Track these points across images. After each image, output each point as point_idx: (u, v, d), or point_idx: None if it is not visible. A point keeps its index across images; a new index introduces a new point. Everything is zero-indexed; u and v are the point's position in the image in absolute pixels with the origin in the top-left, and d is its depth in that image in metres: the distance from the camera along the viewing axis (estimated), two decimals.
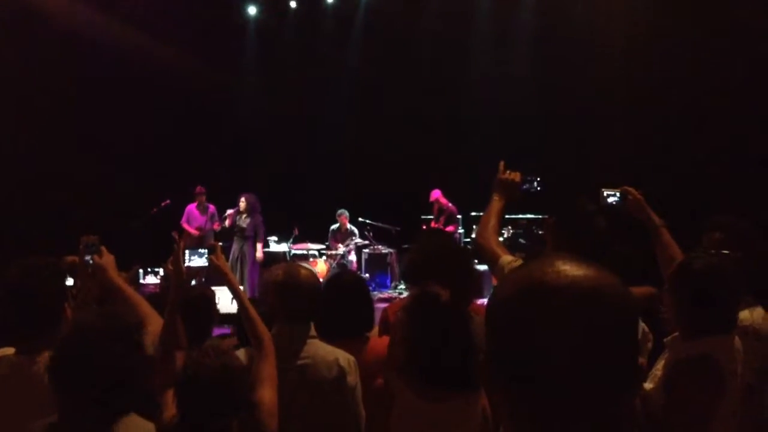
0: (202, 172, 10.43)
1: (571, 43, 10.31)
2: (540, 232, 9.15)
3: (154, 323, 2.35)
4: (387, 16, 12.02)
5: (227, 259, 9.54)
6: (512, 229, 9.63)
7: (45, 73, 9.84)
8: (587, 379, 0.85)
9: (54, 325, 2.21)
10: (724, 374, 2.13)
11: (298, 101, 12.21)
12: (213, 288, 3.51)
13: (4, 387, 2.16)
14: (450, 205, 10.30)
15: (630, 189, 2.80)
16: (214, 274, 2.66)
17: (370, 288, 9.48)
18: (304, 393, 2.44)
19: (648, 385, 2.28)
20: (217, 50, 11.82)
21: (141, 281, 7.82)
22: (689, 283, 2.25)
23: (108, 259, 2.51)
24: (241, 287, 8.93)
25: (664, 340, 2.39)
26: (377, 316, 3.10)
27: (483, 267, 6.53)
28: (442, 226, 10.01)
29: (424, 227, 10.34)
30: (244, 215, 9.57)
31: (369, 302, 3.04)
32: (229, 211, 9.64)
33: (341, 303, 2.86)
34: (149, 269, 8.48)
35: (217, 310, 3.39)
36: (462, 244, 9.34)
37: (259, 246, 9.57)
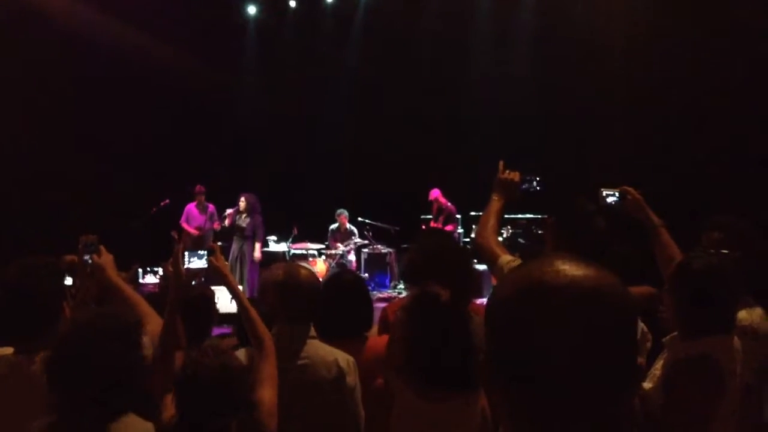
0: (202, 172, 10.44)
1: (571, 43, 10.31)
2: (539, 232, 9.16)
3: (153, 323, 2.35)
4: (387, 15, 12.02)
5: (227, 259, 9.58)
6: (511, 228, 9.63)
7: (45, 72, 9.84)
8: (587, 379, 0.85)
9: (53, 324, 2.21)
10: (723, 374, 2.13)
11: (298, 101, 12.21)
12: (212, 288, 3.51)
13: (3, 386, 2.16)
14: (449, 204, 10.31)
15: (629, 189, 2.80)
16: (213, 276, 2.65)
17: (370, 288, 9.48)
18: (304, 393, 2.44)
19: (647, 385, 2.28)
20: (217, 50, 11.83)
21: (140, 281, 7.82)
22: (688, 283, 2.25)
23: (107, 259, 2.50)
24: (241, 287, 8.95)
25: (663, 339, 2.39)
26: (376, 315, 3.10)
27: (482, 267, 6.53)
28: (441, 226, 10.02)
29: (424, 227, 10.34)
30: (243, 215, 9.57)
31: (368, 302, 3.04)
32: (229, 211, 9.64)
33: (340, 303, 2.86)
34: (148, 269, 8.48)
35: (217, 310, 3.39)
36: (461, 244, 9.34)
37: (257, 246, 9.56)
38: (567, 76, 10.26)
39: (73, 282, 2.88)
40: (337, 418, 2.51)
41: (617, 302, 0.88)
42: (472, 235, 8.40)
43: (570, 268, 0.89)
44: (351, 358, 2.57)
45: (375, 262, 10.90)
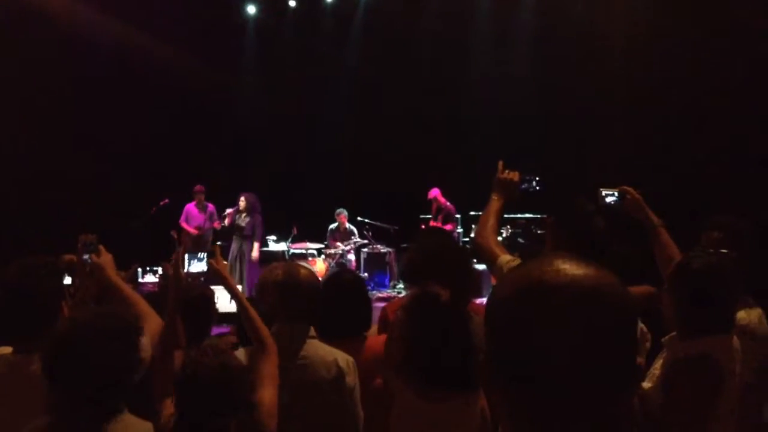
0: (202, 172, 10.43)
1: (571, 43, 10.32)
2: (539, 232, 9.16)
3: (152, 322, 2.35)
4: (386, 15, 12.02)
5: (226, 259, 9.58)
6: (511, 228, 9.63)
7: (44, 72, 9.83)
8: (586, 379, 0.85)
9: (52, 324, 2.19)
10: (722, 374, 2.13)
11: (298, 100, 12.21)
12: (212, 287, 3.51)
13: (2, 386, 2.16)
14: (448, 204, 10.31)
15: (628, 189, 2.80)
16: (213, 278, 2.66)
17: (369, 287, 9.49)
18: (303, 393, 2.44)
19: (646, 385, 2.28)
20: (217, 49, 11.82)
21: (139, 280, 7.82)
22: (688, 283, 2.25)
23: (106, 258, 2.50)
24: (240, 287, 8.99)
25: (662, 339, 2.39)
26: (375, 315, 3.10)
27: (482, 266, 6.53)
28: (440, 225, 10.02)
29: (423, 226, 10.34)
30: (243, 214, 9.57)
31: (367, 302, 3.04)
32: (229, 210, 9.64)
33: (339, 302, 2.86)
34: (148, 268, 8.48)
35: (216, 310, 3.39)
36: (461, 244, 9.34)
37: (255, 245, 9.54)
38: (567, 76, 10.25)
39: (73, 281, 2.88)
40: (336, 418, 2.51)
41: (617, 302, 0.88)
42: (472, 235, 8.39)
43: (570, 268, 0.89)
44: (350, 358, 2.57)
45: (374, 262, 10.90)
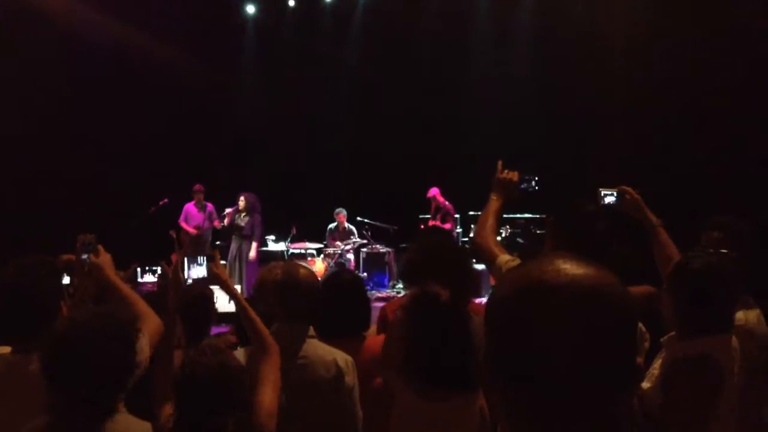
0: (201, 171, 10.43)
1: (571, 43, 10.32)
2: (538, 232, 9.17)
3: (151, 322, 2.34)
4: (385, 15, 12.03)
5: (225, 258, 9.59)
6: (510, 228, 9.64)
7: (43, 72, 9.83)
8: (586, 379, 0.85)
9: (50, 323, 2.19)
10: (722, 373, 2.13)
11: (297, 100, 12.21)
12: (211, 287, 3.51)
13: (1, 386, 2.16)
14: (447, 203, 10.31)
15: (627, 189, 2.80)
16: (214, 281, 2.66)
17: (368, 287, 9.49)
18: (303, 393, 2.44)
19: (645, 385, 2.28)
20: (216, 49, 11.82)
21: (139, 280, 7.81)
22: (687, 283, 2.25)
23: (105, 258, 2.50)
24: (239, 286, 8.97)
25: (661, 339, 2.39)
26: (374, 315, 3.10)
27: (481, 266, 6.53)
28: (439, 223, 10.03)
29: (422, 226, 10.34)
30: (243, 214, 9.57)
31: (366, 302, 3.04)
32: (228, 210, 9.64)
33: (339, 302, 2.86)
34: (147, 268, 8.48)
35: (216, 309, 3.39)
36: (460, 244, 9.34)
37: (253, 245, 9.54)
38: (567, 76, 10.26)
39: (71, 281, 2.88)
40: (335, 418, 2.51)
41: (617, 302, 0.88)
42: (471, 235, 8.40)
43: (570, 268, 0.88)
44: (350, 358, 2.57)
45: (374, 262, 10.90)
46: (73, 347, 1.79)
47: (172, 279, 2.45)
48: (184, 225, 9.78)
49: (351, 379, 2.54)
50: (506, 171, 2.82)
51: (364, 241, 10.96)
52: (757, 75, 8.01)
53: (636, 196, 2.78)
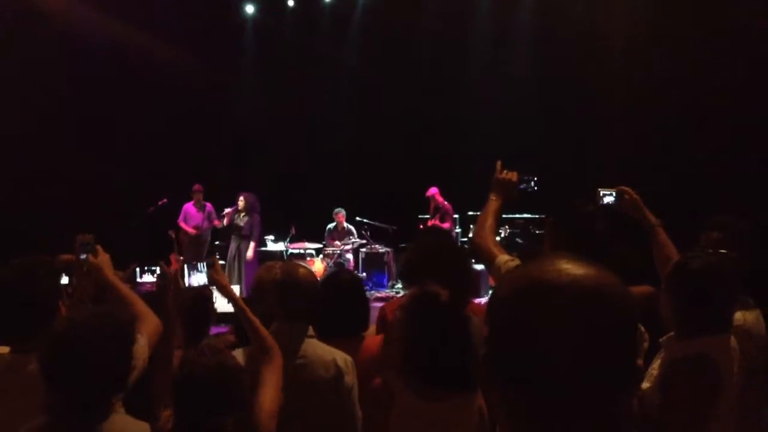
0: (200, 171, 10.43)
1: (571, 43, 10.32)
2: (537, 232, 9.17)
3: (150, 322, 2.35)
4: (385, 15, 12.01)
5: (224, 258, 9.59)
6: (509, 228, 9.64)
7: (43, 71, 9.83)
8: (587, 379, 0.85)
9: (49, 324, 2.19)
10: (720, 373, 2.13)
11: (296, 100, 12.21)
12: (210, 287, 3.51)
13: (0, 386, 2.15)
14: (446, 203, 10.31)
15: (626, 189, 2.80)
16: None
17: (367, 287, 9.49)
18: (302, 392, 2.43)
19: (644, 385, 2.28)
20: (215, 49, 11.82)
21: (138, 280, 7.81)
22: (686, 283, 2.25)
23: (103, 258, 2.49)
24: (238, 286, 8.96)
25: (660, 339, 2.39)
26: (373, 315, 3.10)
27: (480, 266, 6.53)
28: (438, 223, 10.04)
29: (422, 226, 10.34)
30: (242, 214, 9.56)
31: (365, 302, 3.04)
32: (227, 210, 9.63)
33: (337, 302, 2.85)
34: (146, 268, 8.47)
35: (215, 309, 3.39)
36: (459, 244, 9.35)
37: (251, 245, 9.52)
38: (567, 76, 10.26)
39: (70, 281, 2.88)
40: (335, 418, 2.51)
41: (618, 302, 0.88)
42: (470, 235, 8.40)
43: (571, 268, 0.88)
44: (349, 358, 2.56)
45: (373, 262, 10.90)
46: (72, 347, 1.79)
47: (173, 286, 2.46)
48: (183, 225, 9.78)
49: (350, 378, 2.53)
50: (505, 171, 2.81)
51: (363, 241, 10.96)
52: (757, 75, 8.02)
53: (635, 196, 2.78)
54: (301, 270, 2.62)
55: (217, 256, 10.43)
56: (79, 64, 10.32)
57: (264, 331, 2.33)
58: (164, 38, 10.67)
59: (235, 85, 12.73)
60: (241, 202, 9.56)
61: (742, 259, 2.69)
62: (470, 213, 9.97)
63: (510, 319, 0.90)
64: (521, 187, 2.83)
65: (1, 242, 7.71)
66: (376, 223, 11.10)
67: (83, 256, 2.49)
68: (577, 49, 10.24)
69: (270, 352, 2.29)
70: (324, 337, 2.62)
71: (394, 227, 11.01)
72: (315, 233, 10.91)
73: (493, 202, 2.80)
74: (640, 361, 2.40)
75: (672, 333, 2.33)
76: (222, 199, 9.90)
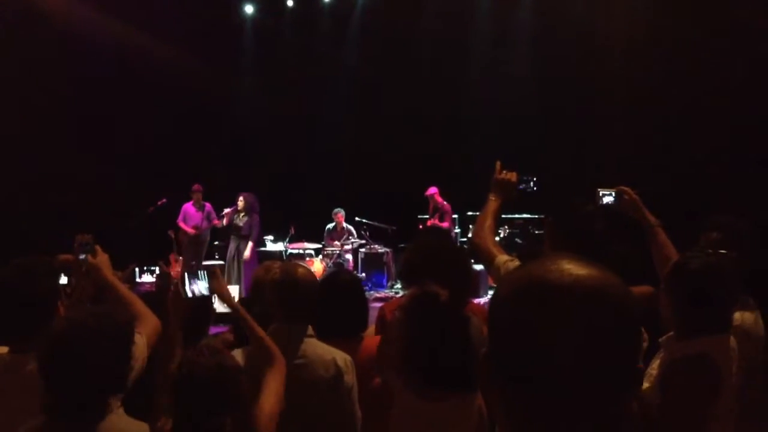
0: (200, 171, 10.43)
1: (570, 43, 10.32)
2: (536, 232, 9.17)
3: (149, 322, 2.35)
4: (384, 15, 12.02)
5: (223, 258, 9.59)
6: (508, 228, 9.65)
7: (42, 71, 9.83)
8: (588, 379, 0.85)
9: (48, 323, 2.19)
10: (720, 373, 2.12)
11: (296, 100, 12.21)
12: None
13: None
14: (445, 203, 10.31)
15: (626, 189, 2.80)
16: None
17: (367, 287, 9.48)
18: (301, 392, 2.43)
19: (644, 385, 2.27)
20: (215, 49, 11.83)
21: (137, 280, 7.81)
22: (686, 283, 2.25)
23: (102, 258, 2.49)
24: (237, 287, 8.93)
25: (660, 339, 2.38)
26: (372, 316, 3.10)
27: (480, 267, 6.53)
28: (437, 222, 10.04)
29: (421, 226, 10.35)
30: (241, 214, 9.56)
31: (364, 302, 3.04)
32: (227, 210, 9.62)
33: (337, 302, 2.85)
34: (145, 268, 8.48)
35: (214, 309, 3.38)
36: (458, 244, 9.35)
37: (249, 245, 9.51)
38: (567, 77, 10.25)
39: (69, 281, 2.87)
40: (334, 417, 2.51)
41: (621, 302, 0.87)
42: (470, 235, 8.41)
43: (574, 268, 0.88)
44: (348, 358, 2.57)
45: (372, 262, 10.90)
46: (70, 347, 1.79)
47: (173, 297, 2.46)
48: (182, 225, 9.78)
49: (350, 378, 2.53)
50: (504, 171, 2.81)
51: (363, 242, 10.96)
52: (757, 75, 8.02)
53: (634, 196, 2.78)
54: (301, 270, 2.62)
55: (217, 256, 10.50)
56: (79, 64, 10.32)
57: (268, 340, 2.34)
58: (164, 38, 10.68)
59: (235, 85, 12.74)
60: (240, 202, 9.55)
61: (742, 259, 2.69)
62: (470, 213, 9.97)
63: (511, 318, 0.89)
64: (520, 187, 2.83)
65: (1, 242, 7.72)
66: (376, 224, 11.10)
67: (82, 256, 2.49)
68: (577, 49, 10.25)
69: (273, 359, 2.29)
70: (323, 337, 2.62)
71: (394, 227, 11.01)
72: (314, 233, 10.90)
73: (493, 202, 2.80)
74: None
75: (671, 333, 2.33)
76: (221, 199, 9.89)
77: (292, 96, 12.17)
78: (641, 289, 2.69)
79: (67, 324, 1.86)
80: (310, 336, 2.56)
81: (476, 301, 7.06)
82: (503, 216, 6.89)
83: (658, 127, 9.11)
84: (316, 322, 2.64)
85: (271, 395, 2.17)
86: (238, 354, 2.33)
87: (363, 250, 10.98)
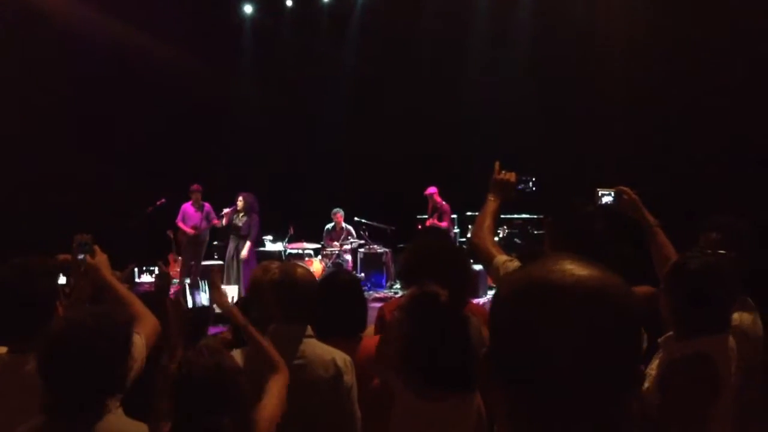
0: (199, 171, 10.43)
1: (570, 43, 10.31)
2: (535, 232, 9.18)
3: (148, 323, 2.34)
4: (384, 15, 12.02)
5: (222, 258, 9.59)
6: (507, 228, 9.65)
7: (43, 71, 9.84)
8: (589, 379, 0.85)
9: (47, 323, 2.19)
10: (719, 373, 2.12)
11: (296, 100, 12.21)
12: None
13: None
14: (444, 203, 10.31)
15: (625, 189, 2.80)
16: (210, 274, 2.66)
17: (366, 288, 9.48)
18: (301, 393, 2.43)
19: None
20: (214, 49, 11.84)
21: (136, 280, 7.81)
22: (685, 283, 2.25)
23: (101, 258, 2.49)
24: (236, 287, 8.92)
25: (659, 339, 2.38)
26: (371, 316, 3.09)
27: (479, 267, 6.54)
28: (436, 221, 10.05)
29: (420, 227, 10.35)
30: (241, 214, 9.55)
31: (363, 302, 3.04)
32: (226, 210, 9.62)
33: (336, 303, 2.85)
34: (144, 268, 8.49)
35: (213, 310, 3.39)
36: (458, 244, 9.35)
37: (247, 244, 9.50)
38: (566, 77, 10.25)
39: (68, 281, 2.87)
40: (334, 418, 2.51)
41: (623, 303, 0.87)
42: (469, 235, 8.41)
43: (575, 268, 0.88)
44: (348, 358, 2.56)
45: (371, 262, 10.90)
46: (69, 347, 1.79)
47: (173, 309, 2.46)
48: (181, 225, 9.77)
49: (350, 378, 2.53)
50: (503, 172, 2.81)
51: (362, 242, 10.96)
52: (757, 75, 8.02)
53: (633, 196, 2.78)
54: (300, 270, 2.62)
55: (216, 256, 10.50)
56: (79, 64, 10.32)
57: (271, 349, 2.34)
58: (163, 38, 10.68)
59: (234, 85, 12.74)
60: (240, 202, 9.55)
61: (741, 259, 2.69)
62: (469, 213, 9.97)
63: (512, 318, 0.89)
64: (519, 187, 2.83)
65: (1, 242, 7.72)
66: (375, 224, 11.10)
67: (81, 256, 2.48)
68: (577, 49, 10.24)
69: (277, 367, 2.29)
70: (322, 337, 2.62)
71: (393, 227, 11.02)
72: (313, 233, 10.90)
73: (492, 202, 2.79)
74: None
75: (670, 333, 2.33)
76: (221, 199, 9.89)
77: (292, 96, 12.18)
78: (641, 289, 2.68)
79: (66, 324, 1.86)
80: (310, 336, 2.56)
81: (476, 301, 7.06)
82: (502, 216, 6.89)
83: (657, 127, 9.11)
84: (315, 322, 2.64)
85: (272, 399, 2.17)
86: (237, 354, 2.32)
87: (362, 250, 10.98)
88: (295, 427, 2.36)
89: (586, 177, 7.99)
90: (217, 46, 12.03)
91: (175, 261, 10.32)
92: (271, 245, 10.74)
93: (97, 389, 1.83)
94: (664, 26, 9.08)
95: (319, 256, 10.58)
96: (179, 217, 9.80)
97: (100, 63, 10.51)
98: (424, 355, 2.12)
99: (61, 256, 2.61)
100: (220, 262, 9.86)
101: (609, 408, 0.86)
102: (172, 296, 2.62)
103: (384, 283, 10.78)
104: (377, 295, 9.96)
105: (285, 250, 10.56)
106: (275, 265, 2.85)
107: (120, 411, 1.88)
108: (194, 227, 9.69)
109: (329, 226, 10.95)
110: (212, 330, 3.56)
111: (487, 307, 1.01)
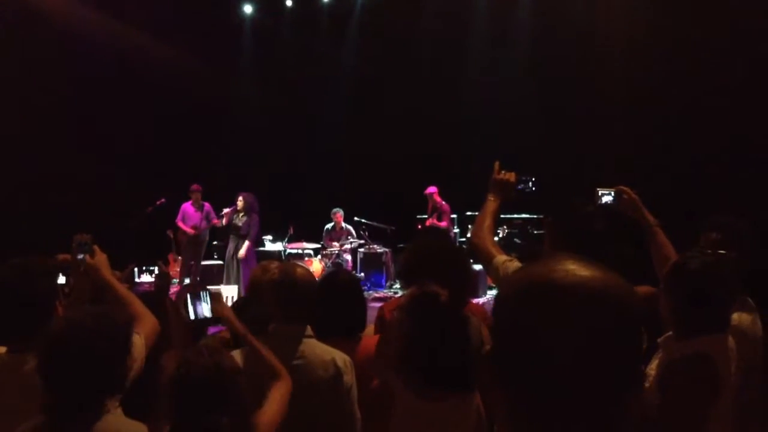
0: (199, 171, 10.43)
1: (570, 43, 10.32)
2: (535, 232, 9.18)
3: (148, 323, 2.34)
4: (383, 15, 12.02)
5: (222, 258, 9.58)
6: (507, 228, 9.65)
7: (43, 71, 9.84)
8: (589, 380, 0.85)
9: (46, 323, 2.19)
10: (718, 373, 2.12)
11: (295, 100, 12.21)
12: (209, 287, 3.50)
13: None
14: (443, 203, 10.31)
15: (625, 188, 2.79)
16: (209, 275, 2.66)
17: (366, 288, 9.48)
18: (300, 393, 2.43)
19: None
20: (214, 49, 11.84)
21: (136, 280, 7.80)
22: (685, 283, 2.25)
23: (100, 258, 2.49)
24: (236, 287, 8.90)
25: (658, 339, 2.38)
26: (371, 316, 3.09)
27: (479, 267, 6.54)
28: (436, 221, 10.04)
29: (420, 227, 10.35)
30: (241, 214, 9.55)
31: (363, 302, 3.03)
32: (226, 210, 9.62)
33: (335, 303, 2.85)
34: (144, 268, 8.47)
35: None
36: (457, 244, 9.35)
37: (246, 244, 9.49)
38: (566, 77, 10.26)
39: (67, 281, 2.87)
40: (333, 418, 2.50)
41: (624, 303, 0.88)
42: (469, 235, 8.41)
43: (577, 269, 0.88)
44: (348, 358, 2.56)
45: (371, 262, 10.89)
46: (69, 347, 1.79)
47: (174, 316, 2.46)
48: (181, 225, 9.77)
49: (349, 378, 2.53)
50: (503, 172, 2.81)
51: (362, 241, 10.96)
52: (757, 75, 8.02)
53: (633, 196, 2.78)
54: (299, 270, 2.62)
55: (215, 256, 10.50)
56: (79, 64, 10.32)
57: (272, 357, 2.33)
58: (163, 38, 10.68)
59: (234, 85, 12.74)
60: (240, 202, 9.55)
61: (742, 259, 2.69)
62: (469, 213, 9.97)
63: (513, 318, 0.90)
64: (519, 187, 2.82)
65: (1, 242, 7.72)
66: (375, 223, 11.10)
67: (80, 256, 2.48)
68: (577, 49, 10.24)
69: (279, 375, 2.29)
70: (322, 337, 2.62)
71: (393, 227, 11.02)
72: (313, 233, 10.90)
73: (491, 202, 2.79)
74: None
75: (670, 333, 2.33)
76: (221, 198, 9.89)
77: (292, 96, 12.18)
78: (641, 289, 2.68)
79: (66, 324, 1.86)
80: (309, 336, 2.56)
81: (475, 301, 7.07)
82: (502, 216, 6.89)
83: (658, 127, 9.12)
84: (314, 322, 2.64)
85: (273, 405, 2.17)
86: (236, 355, 2.32)
87: (362, 250, 10.98)
88: (294, 427, 2.35)
89: (586, 177, 7.99)
90: (217, 46, 12.02)
91: (175, 261, 10.32)
92: (270, 245, 10.74)
93: (96, 389, 1.82)
94: (664, 26, 9.08)
95: (319, 256, 10.58)
96: (179, 217, 9.81)
97: (100, 63, 10.51)
98: (424, 355, 2.12)
99: (61, 256, 2.61)
100: (220, 262, 9.86)
101: (609, 408, 0.86)
102: (172, 296, 2.62)
103: (384, 283, 10.78)
104: (377, 295, 9.96)
105: (285, 250, 10.56)
106: (275, 265, 2.84)
107: (119, 411, 1.88)
108: (194, 227, 9.69)
109: (329, 226, 10.95)
110: (212, 330, 3.56)
111: (487, 307, 1.01)
